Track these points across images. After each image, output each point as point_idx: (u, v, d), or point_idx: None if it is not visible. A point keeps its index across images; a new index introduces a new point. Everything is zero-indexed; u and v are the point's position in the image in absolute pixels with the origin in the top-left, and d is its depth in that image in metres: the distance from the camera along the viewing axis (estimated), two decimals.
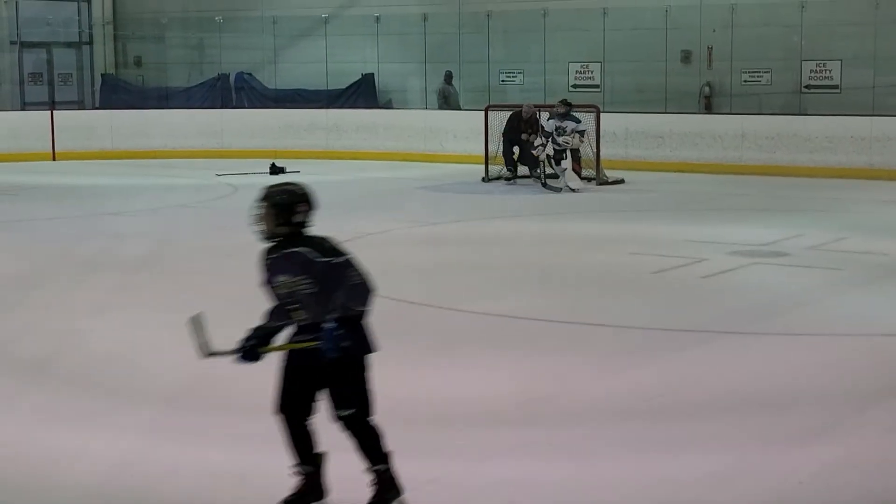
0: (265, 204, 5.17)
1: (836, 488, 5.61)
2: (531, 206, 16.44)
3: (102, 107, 26.30)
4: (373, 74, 25.14)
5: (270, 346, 5.27)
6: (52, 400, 7.09)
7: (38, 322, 9.29)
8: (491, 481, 5.71)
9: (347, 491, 5.30)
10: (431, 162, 22.03)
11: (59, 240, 13.57)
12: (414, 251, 12.68)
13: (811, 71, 21.36)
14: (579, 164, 18.19)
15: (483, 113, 19.95)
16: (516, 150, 18.98)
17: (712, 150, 20.40)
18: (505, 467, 5.89)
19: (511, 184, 18.73)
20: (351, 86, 25.09)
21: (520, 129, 18.96)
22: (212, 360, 5.25)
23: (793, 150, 19.77)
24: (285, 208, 5.14)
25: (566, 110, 18.16)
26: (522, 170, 18.95)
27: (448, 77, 23.90)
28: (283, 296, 5.16)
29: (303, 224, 5.18)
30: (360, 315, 5.14)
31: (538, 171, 18.33)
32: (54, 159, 23.26)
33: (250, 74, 26.14)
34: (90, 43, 27.75)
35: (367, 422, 5.20)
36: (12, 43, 26.51)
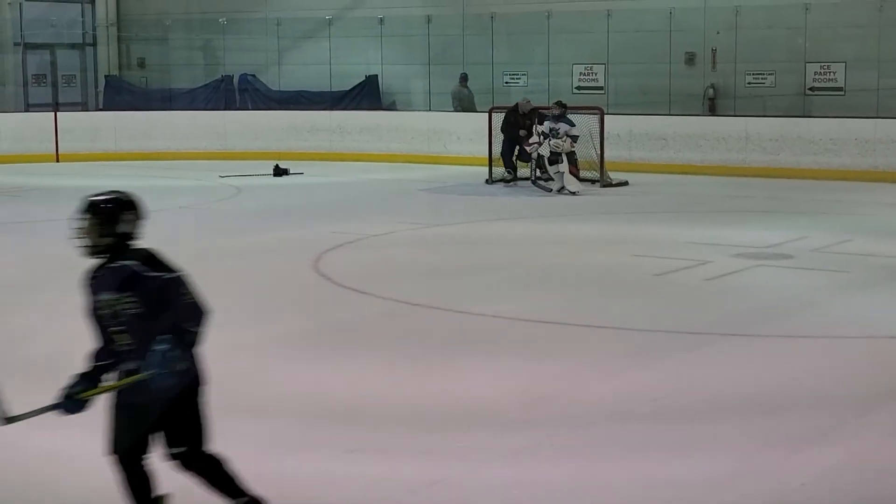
0: (87, 214, 4.72)
1: (838, 491, 5.60)
2: (534, 208, 16.43)
3: (106, 108, 26.35)
4: (376, 76, 25.15)
5: (96, 388, 4.69)
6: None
7: (41, 323, 9.29)
8: (493, 483, 5.70)
9: None
10: (435, 164, 22.05)
11: (63, 241, 13.54)
12: (417, 253, 12.69)
13: (815, 73, 21.35)
14: (576, 166, 18.13)
15: (487, 115, 19.97)
16: (516, 150, 19.02)
17: (716, 152, 20.39)
18: (507, 469, 5.88)
19: (511, 186, 18.72)
20: (355, 87, 25.12)
21: (517, 125, 18.94)
22: (15, 424, 4.69)
23: (797, 152, 19.76)
24: (110, 217, 4.68)
25: (561, 112, 18.04)
26: (523, 171, 18.96)
27: (463, 79, 23.87)
28: (105, 317, 4.63)
29: (130, 235, 4.72)
30: (194, 338, 4.61)
31: (531, 166, 18.34)
32: (58, 161, 23.28)
33: (254, 76, 26.17)
34: (94, 44, 27.79)
35: (203, 454, 4.74)
36: (16, 44, 26.55)
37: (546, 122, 18.13)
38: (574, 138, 17.84)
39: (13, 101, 26.37)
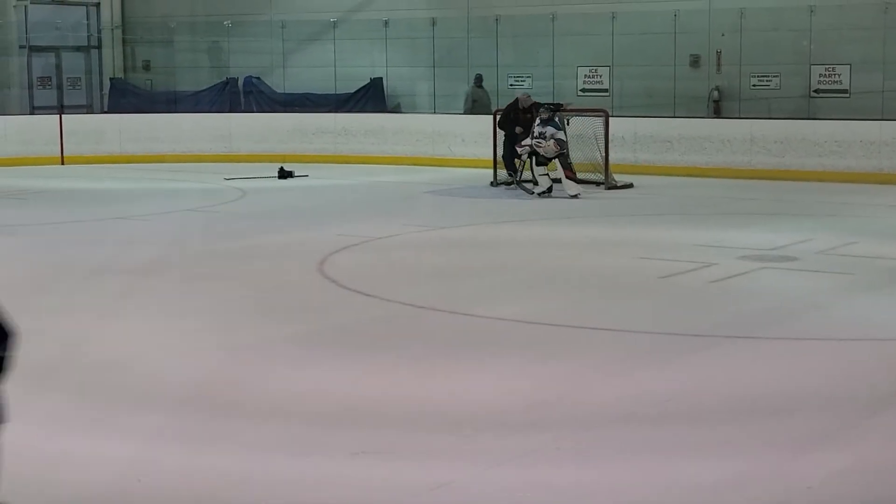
0: None
1: (844, 493, 5.59)
2: (539, 211, 16.42)
3: (111, 111, 26.38)
4: (381, 78, 25.17)
5: None
6: (60, 404, 7.08)
7: (46, 326, 9.28)
8: (498, 486, 5.69)
9: None
10: (440, 166, 22.05)
11: (68, 244, 13.59)
12: (422, 255, 12.68)
13: (820, 75, 21.33)
14: (570, 169, 18.06)
15: (491, 117, 19.96)
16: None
17: (721, 155, 20.38)
18: (513, 472, 5.87)
19: (512, 188, 18.70)
20: (360, 90, 25.13)
21: (516, 121, 18.89)
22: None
23: (802, 155, 19.74)
24: None
25: (549, 115, 17.87)
26: (527, 174, 18.93)
27: (478, 80, 23.84)
28: None
29: None
30: (0, 363, 4.04)
31: (520, 163, 18.32)
32: (63, 163, 23.30)
33: (259, 78, 26.19)
34: (99, 47, 27.82)
35: None
36: (21, 47, 26.59)
37: (535, 126, 18.06)
38: (560, 142, 17.73)
39: (18, 103, 26.41)
